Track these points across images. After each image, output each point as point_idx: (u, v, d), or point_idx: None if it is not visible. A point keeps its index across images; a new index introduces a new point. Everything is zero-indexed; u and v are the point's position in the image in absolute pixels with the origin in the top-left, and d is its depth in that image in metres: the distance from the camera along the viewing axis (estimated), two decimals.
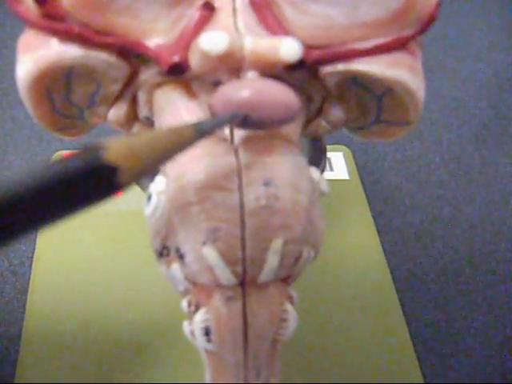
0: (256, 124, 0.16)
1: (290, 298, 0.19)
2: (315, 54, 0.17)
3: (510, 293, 0.38)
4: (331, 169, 0.39)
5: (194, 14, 0.17)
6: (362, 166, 0.43)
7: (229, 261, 0.17)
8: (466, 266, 0.39)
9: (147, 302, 0.32)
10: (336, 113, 0.21)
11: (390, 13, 0.17)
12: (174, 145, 0.13)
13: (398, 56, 0.18)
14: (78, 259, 0.34)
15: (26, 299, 0.33)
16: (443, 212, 0.41)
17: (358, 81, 0.19)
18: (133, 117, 0.20)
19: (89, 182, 0.12)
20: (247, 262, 0.17)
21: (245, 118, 0.15)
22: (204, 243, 0.17)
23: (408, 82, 0.18)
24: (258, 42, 0.16)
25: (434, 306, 0.36)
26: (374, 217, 0.39)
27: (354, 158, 0.41)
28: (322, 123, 0.21)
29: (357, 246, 0.36)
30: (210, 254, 0.17)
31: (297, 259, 0.18)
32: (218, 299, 0.18)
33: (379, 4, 0.17)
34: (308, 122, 0.21)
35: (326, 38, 0.17)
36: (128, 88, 0.19)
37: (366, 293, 0.34)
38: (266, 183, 0.17)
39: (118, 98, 0.20)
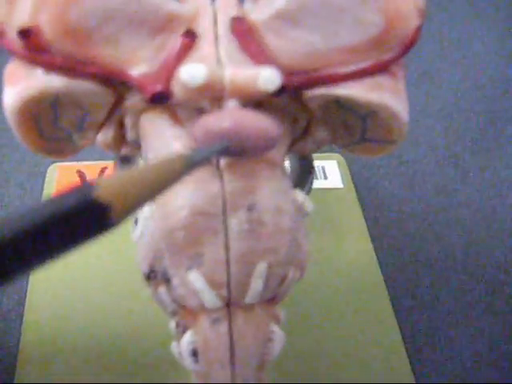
0: (236, 153, 0.16)
1: (277, 318, 0.19)
2: (296, 79, 0.18)
3: (506, 299, 0.38)
4: (325, 177, 0.39)
5: (176, 41, 0.17)
6: (357, 173, 0.43)
7: (214, 285, 0.17)
8: (461, 273, 0.39)
9: (144, 313, 0.32)
10: (321, 133, 0.21)
11: (370, 37, 0.17)
12: (164, 179, 0.14)
13: (380, 79, 0.18)
14: (76, 270, 0.34)
15: (23, 310, 0.33)
16: (438, 218, 0.42)
17: (341, 103, 0.19)
18: (121, 140, 0.21)
19: (82, 221, 0.12)
20: (232, 285, 0.17)
21: (225, 148, 0.15)
22: (189, 268, 0.17)
23: (390, 105, 0.18)
24: (236, 73, 0.16)
25: (428, 313, 0.36)
26: (368, 224, 0.39)
27: (348, 165, 0.41)
28: (308, 142, 0.21)
29: (350, 254, 0.36)
30: (195, 278, 0.17)
31: (282, 281, 0.18)
32: (204, 321, 0.18)
33: (359, 29, 0.17)
34: (294, 141, 0.21)
35: (308, 64, 0.18)
36: (114, 113, 0.19)
37: (359, 300, 0.34)
38: (250, 208, 0.17)
39: (105, 122, 0.20)
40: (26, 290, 0.34)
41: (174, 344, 0.19)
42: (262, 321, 0.18)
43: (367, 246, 0.36)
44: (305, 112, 0.20)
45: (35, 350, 0.32)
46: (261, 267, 0.17)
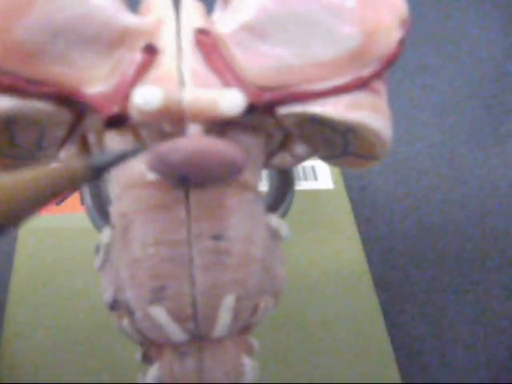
0: (195, 183, 0.15)
1: (249, 348, 0.18)
2: (267, 96, 0.16)
3: (500, 300, 0.37)
4: (315, 178, 0.38)
5: (134, 58, 0.16)
6: (348, 172, 0.41)
7: (178, 319, 0.16)
8: (455, 275, 0.38)
9: None
10: (300, 148, 0.19)
11: (347, 52, 0.16)
12: (58, 184, 0.13)
13: (359, 97, 0.17)
14: (57, 272, 0.33)
15: (4, 311, 0.33)
16: (432, 218, 0.40)
17: (318, 120, 0.18)
18: (85, 155, 0.19)
19: None
20: (199, 318, 0.16)
21: (183, 178, 0.14)
22: (151, 302, 0.16)
23: (370, 124, 0.17)
24: (197, 96, 0.15)
25: (420, 316, 0.35)
26: (360, 224, 0.38)
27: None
28: (286, 157, 0.20)
29: (340, 256, 0.35)
30: (158, 313, 0.16)
31: (253, 312, 0.17)
32: (170, 355, 0.17)
33: (333, 43, 0.16)
34: (271, 156, 0.20)
35: (279, 80, 0.16)
36: (76, 131, 0.18)
37: (348, 302, 0.33)
38: (217, 237, 0.16)
39: (66, 140, 0.19)
40: (7, 290, 0.33)
41: (139, 376, 0.18)
42: (232, 354, 0.17)
43: (357, 248, 0.35)
44: (280, 128, 0.18)
45: (16, 350, 0.31)
46: (228, 300, 0.16)
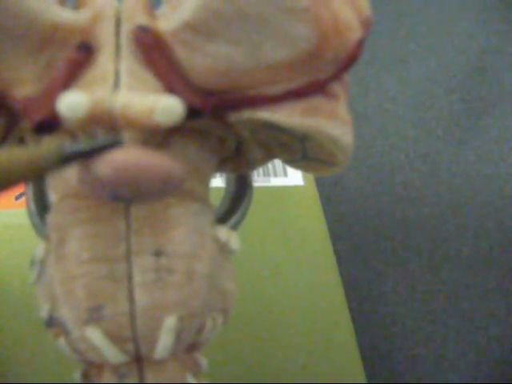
0: (128, 198, 0.13)
1: (196, 367, 0.17)
2: (214, 100, 0.15)
3: (472, 298, 0.37)
4: (285, 174, 0.37)
5: (67, 57, 0.14)
6: None
7: (116, 340, 0.15)
8: (426, 273, 0.37)
9: None
10: (255, 153, 0.18)
11: (301, 53, 0.15)
12: (26, 165, 0.12)
13: (315, 101, 0.15)
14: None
15: None
16: (406, 214, 0.40)
17: (272, 125, 0.16)
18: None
19: None
20: (138, 340, 0.15)
21: (113, 193, 0.13)
22: (86, 322, 0.15)
23: (327, 131, 0.16)
24: (129, 103, 0.13)
25: (389, 315, 0.35)
26: (331, 222, 0.37)
27: None
28: (241, 162, 0.19)
29: (308, 254, 0.34)
30: (94, 334, 0.15)
31: (199, 331, 0.16)
32: (110, 376, 0.16)
33: (285, 43, 0.14)
34: (225, 161, 0.19)
35: (228, 83, 0.15)
36: (11, 133, 0.17)
37: (315, 302, 0.33)
38: (157, 253, 0.15)
39: (3, 140, 0.17)
40: None
41: None
42: (176, 375, 0.16)
43: (326, 246, 0.34)
44: (232, 133, 0.17)
45: None
46: (170, 321, 0.15)
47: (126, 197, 0.13)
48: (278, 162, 0.37)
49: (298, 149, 0.18)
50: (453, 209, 0.40)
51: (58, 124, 0.14)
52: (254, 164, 0.19)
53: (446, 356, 0.34)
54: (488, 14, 0.52)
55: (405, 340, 0.35)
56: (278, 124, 0.15)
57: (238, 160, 0.19)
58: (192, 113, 0.15)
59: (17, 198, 0.34)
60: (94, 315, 0.15)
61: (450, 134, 0.44)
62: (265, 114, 0.15)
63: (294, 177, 0.37)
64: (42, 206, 0.19)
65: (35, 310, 0.31)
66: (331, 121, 0.16)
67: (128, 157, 0.13)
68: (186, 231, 0.15)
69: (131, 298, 0.15)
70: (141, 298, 0.15)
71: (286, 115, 0.15)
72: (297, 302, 0.33)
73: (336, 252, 0.35)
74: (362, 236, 0.38)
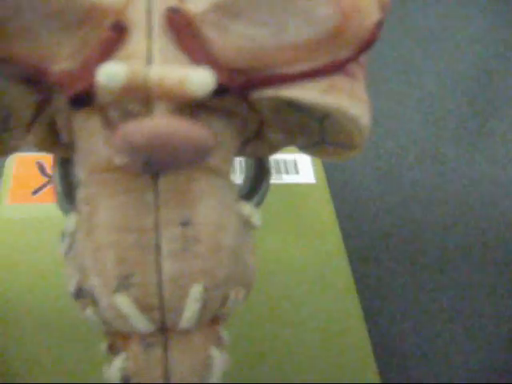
0: (161, 166, 0.14)
1: (219, 340, 0.18)
2: (240, 79, 0.16)
3: (483, 297, 0.37)
4: (297, 172, 0.37)
5: (101, 35, 0.15)
6: (331, 167, 0.41)
7: (144, 308, 0.16)
8: (437, 271, 0.38)
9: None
10: (275, 136, 0.19)
11: (323, 33, 0.15)
12: None
13: (336, 80, 0.16)
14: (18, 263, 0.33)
15: None
16: (415, 215, 0.40)
17: (294, 105, 0.17)
18: (53, 141, 0.19)
19: None
20: (165, 308, 0.16)
21: (148, 161, 0.14)
22: (116, 290, 0.15)
23: (347, 109, 0.16)
24: (164, 74, 0.14)
25: (400, 314, 0.35)
26: (341, 221, 0.37)
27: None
28: (261, 145, 0.20)
29: (320, 251, 0.34)
30: (123, 302, 0.15)
31: (222, 302, 0.17)
32: (136, 346, 0.16)
33: (309, 24, 0.15)
34: (246, 143, 0.20)
35: (253, 62, 0.16)
36: (43, 113, 0.17)
37: (327, 298, 0.33)
38: (185, 223, 0.16)
39: (33, 122, 0.18)
40: None
41: (105, 367, 0.18)
42: (200, 346, 0.17)
43: (338, 244, 0.35)
44: (255, 113, 0.18)
45: None
46: (196, 290, 0.16)
47: (157, 165, 0.14)
48: (289, 160, 0.37)
49: (316, 131, 0.19)
50: (461, 208, 0.41)
51: (92, 98, 0.15)
52: (273, 147, 0.20)
53: (457, 356, 0.34)
54: (495, 18, 0.53)
55: (416, 339, 0.35)
56: (300, 102, 0.16)
57: (259, 143, 0.20)
58: (219, 90, 0.15)
59: (34, 193, 0.35)
60: (123, 283, 0.15)
61: (457, 136, 0.45)
62: (288, 92, 0.16)
63: (306, 174, 0.37)
64: (68, 187, 0.20)
65: (50, 302, 0.31)
66: (351, 99, 0.16)
67: (163, 123, 0.13)
68: (212, 203, 0.16)
69: (159, 267, 0.15)
70: (168, 267, 0.15)
71: (308, 93, 0.16)
72: (307, 301, 0.33)
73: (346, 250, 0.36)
74: (371, 235, 0.39)
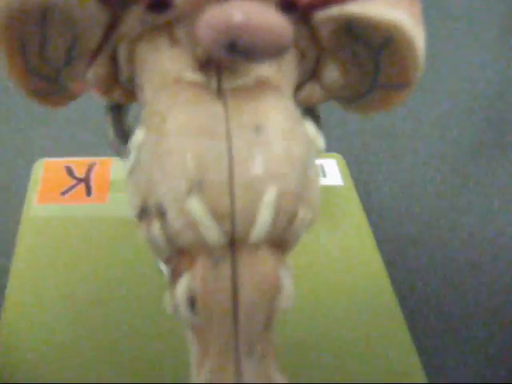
0: (244, 51, 0.14)
1: (286, 266, 0.17)
2: None
3: (509, 303, 0.36)
4: (324, 175, 0.37)
5: None
6: (355, 178, 0.41)
7: (216, 215, 0.15)
8: (466, 276, 0.37)
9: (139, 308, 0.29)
10: (332, 74, 0.19)
11: None
12: None
13: None
14: (59, 263, 0.32)
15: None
16: (440, 223, 0.40)
17: (353, 31, 0.17)
18: (113, 79, 0.19)
19: None
20: (237, 216, 0.15)
21: (232, 45, 0.14)
22: (188, 194, 0.15)
23: (408, 27, 0.17)
24: None
25: (434, 316, 0.34)
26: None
27: (348, 165, 0.40)
28: (316, 88, 0.20)
29: (353, 251, 0.34)
30: (195, 206, 0.15)
31: (291, 219, 0.16)
32: (203, 262, 0.16)
33: None
34: (301, 86, 0.20)
35: None
36: (107, 42, 0.18)
37: (365, 300, 0.32)
38: (257, 129, 0.15)
39: (96, 54, 0.18)
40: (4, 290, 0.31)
41: (166, 296, 0.17)
42: (270, 263, 0.16)
43: (370, 243, 0.34)
44: (314, 43, 0.18)
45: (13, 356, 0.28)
46: (269, 195, 0.15)
47: (239, 49, 0.14)
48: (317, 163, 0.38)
49: (370, 70, 0.19)
50: (484, 216, 0.41)
51: (169, 2, 0.15)
52: (327, 92, 0.20)
53: (498, 354, 0.33)
54: (509, 37, 0.56)
55: (453, 340, 0.34)
56: (363, 18, 0.17)
57: (312, 87, 0.20)
58: (288, 5, 0.16)
59: (63, 194, 0.34)
60: (195, 187, 0.15)
61: (476, 150, 0.45)
62: (351, 8, 0.17)
63: (333, 177, 0.37)
64: (122, 132, 0.20)
65: (75, 304, 0.30)
66: (411, 18, 0.17)
67: (252, 6, 0.14)
68: (282, 113, 0.16)
69: (232, 173, 0.15)
70: (241, 171, 0.15)
71: (372, 9, 0.16)
72: (342, 304, 0.32)
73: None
74: (398, 240, 0.38)
